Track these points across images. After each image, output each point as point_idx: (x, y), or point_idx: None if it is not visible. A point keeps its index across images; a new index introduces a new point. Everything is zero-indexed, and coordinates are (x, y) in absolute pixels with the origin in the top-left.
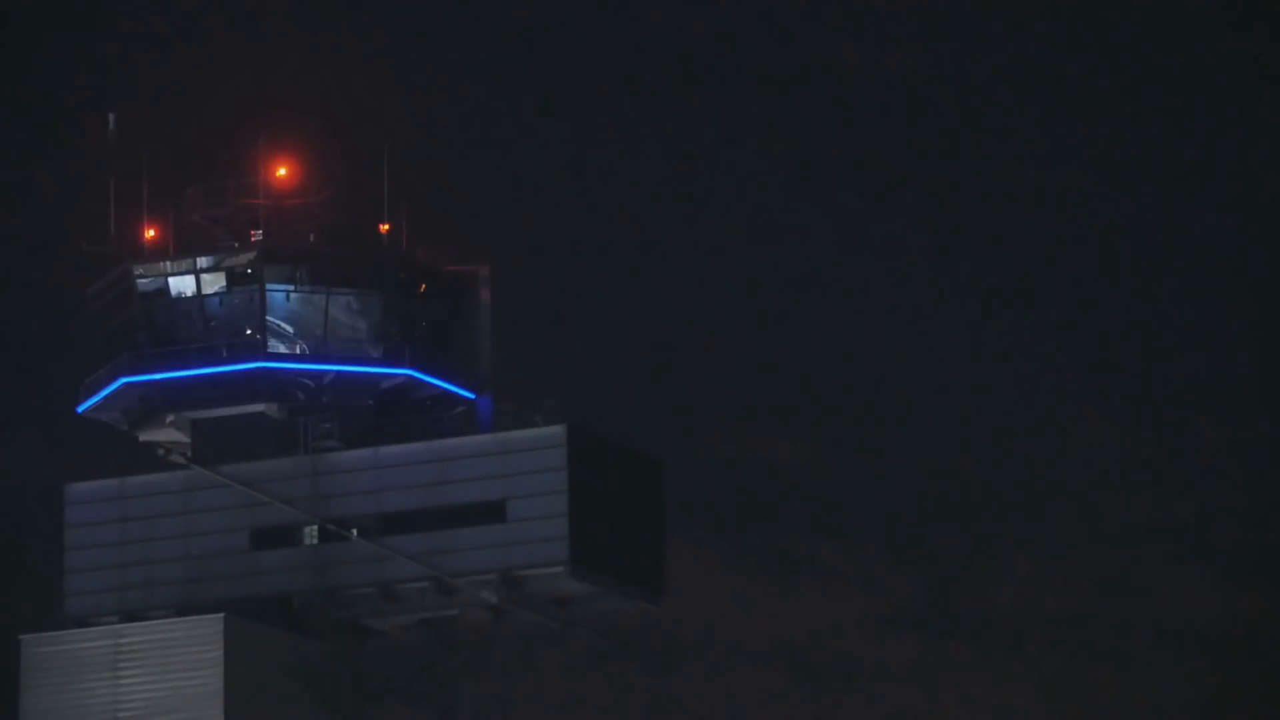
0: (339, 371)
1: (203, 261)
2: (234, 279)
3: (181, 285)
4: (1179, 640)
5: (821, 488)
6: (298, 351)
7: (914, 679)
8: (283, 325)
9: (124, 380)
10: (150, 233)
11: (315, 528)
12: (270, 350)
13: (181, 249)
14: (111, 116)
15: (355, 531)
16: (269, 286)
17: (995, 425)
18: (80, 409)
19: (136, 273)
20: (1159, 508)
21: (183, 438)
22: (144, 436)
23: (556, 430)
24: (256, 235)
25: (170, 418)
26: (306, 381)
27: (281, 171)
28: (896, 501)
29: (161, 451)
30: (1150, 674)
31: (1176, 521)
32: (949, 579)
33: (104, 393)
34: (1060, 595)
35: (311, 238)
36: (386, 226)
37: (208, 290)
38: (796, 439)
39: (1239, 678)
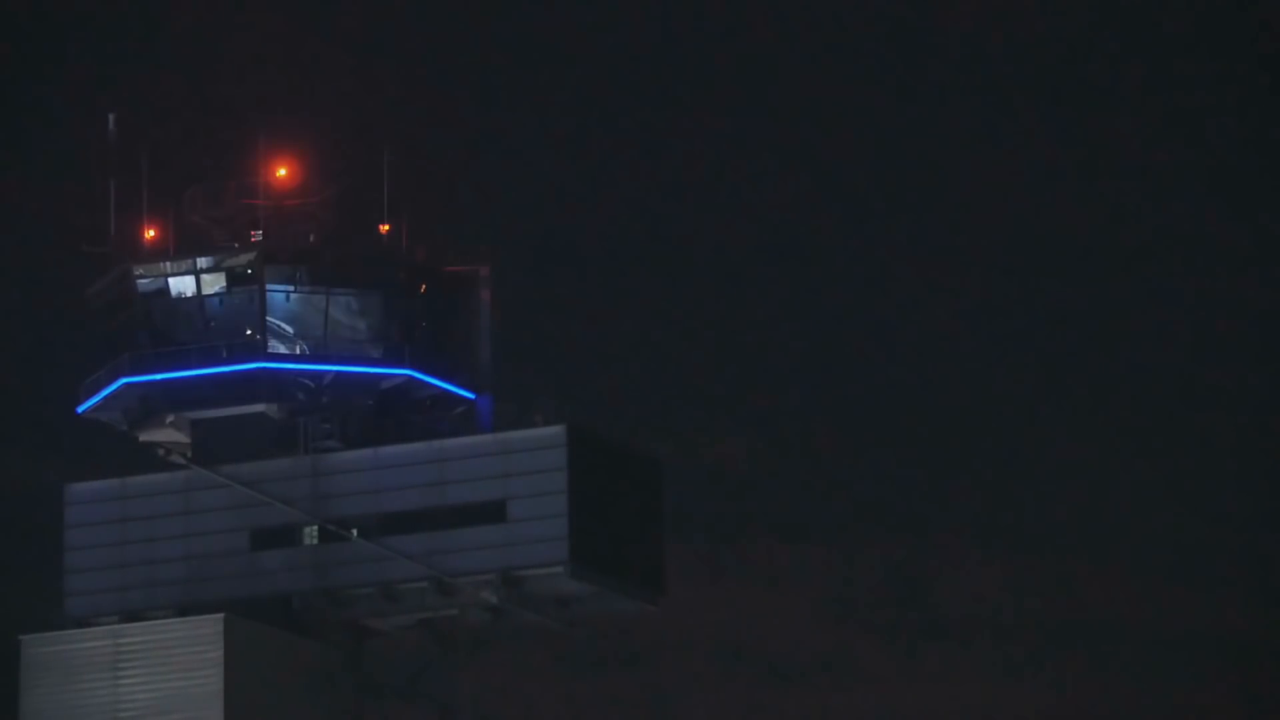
0: (339, 372)
1: (203, 262)
2: (234, 279)
3: (181, 285)
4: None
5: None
6: (298, 352)
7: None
8: (283, 325)
9: (124, 380)
10: (150, 233)
11: (315, 528)
12: (270, 350)
13: (181, 249)
14: (111, 116)
15: (355, 531)
16: (269, 287)
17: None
18: (80, 409)
19: (136, 273)
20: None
21: (183, 438)
22: (144, 436)
23: (556, 430)
24: (256, 235)
25: (170, 418)
26: (306, 382)
27: (281, 171)
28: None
29: (161, 451)
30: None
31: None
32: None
33: (104, 393)
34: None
35: (311, 238)
36: (386, 226)
37: (208, 290)
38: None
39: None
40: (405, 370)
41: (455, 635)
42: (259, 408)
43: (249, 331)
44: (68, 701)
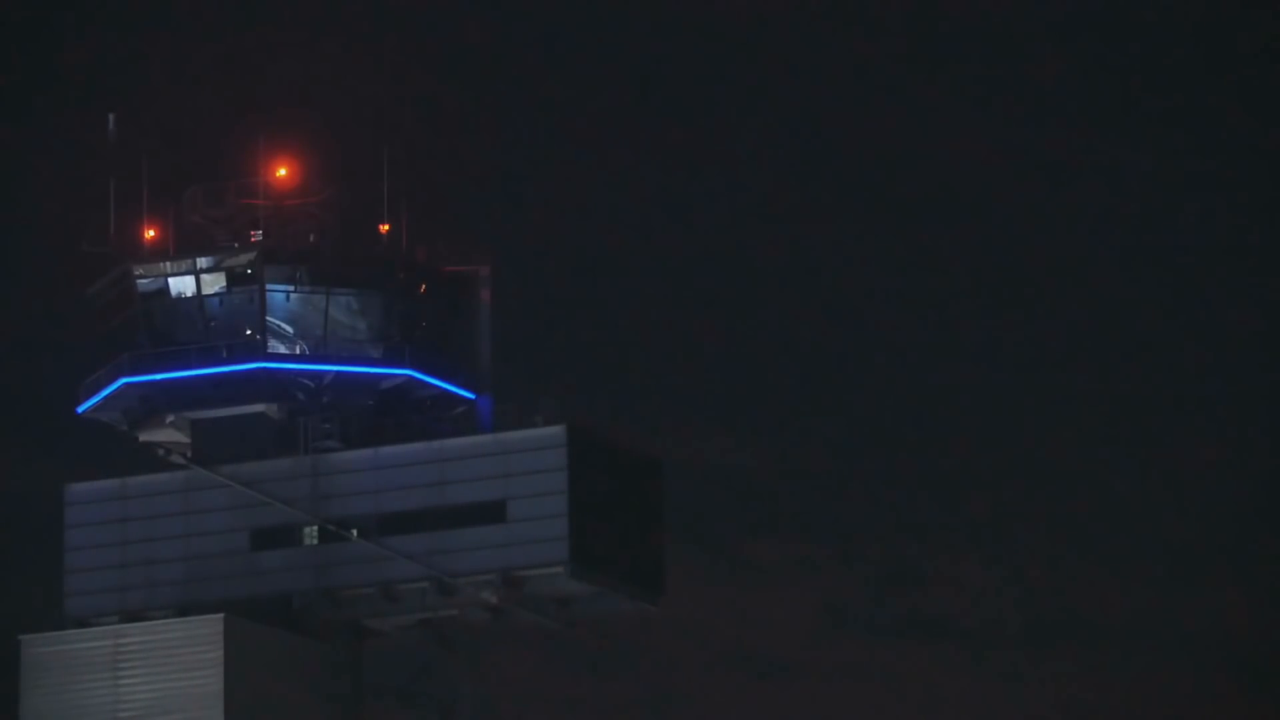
0: (339, 372)
1: (203, 261)
2: (234, 279)
3: (181, 285)
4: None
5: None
6: (298, 352)
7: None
8: (283, 325)
9: (124, 380)
10: (150, 233)
11: (315, 528)
12: (270, 350)
13: (181, 249)
14: (111, 116)
15: (355, 531)
16: (269, 286)
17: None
18: (80, 409)
19: (136, 273)
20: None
21: (183, 438)
22: (144, 436)
23: (556, 430)
24: (256, 235)
25: (170, 418)
26: (306, 382)
27: (281, 171)
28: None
29: (161, 451)
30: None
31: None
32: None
33: (104, 393)
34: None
35: (311, 238)
36: (386, 226)
37: (208, 290)
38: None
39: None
40: (405, 370)
41: (455, 635)
42: (259, 408)
43: (249, 331)
44: (68, 701)
